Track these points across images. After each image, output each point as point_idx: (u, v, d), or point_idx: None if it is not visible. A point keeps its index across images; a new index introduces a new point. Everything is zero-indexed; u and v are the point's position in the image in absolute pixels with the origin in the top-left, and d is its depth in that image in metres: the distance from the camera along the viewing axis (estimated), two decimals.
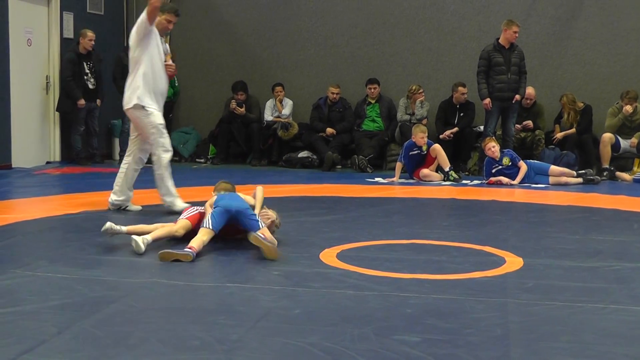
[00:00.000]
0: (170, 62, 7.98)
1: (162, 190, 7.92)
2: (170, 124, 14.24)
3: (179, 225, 6.27)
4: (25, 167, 11.88)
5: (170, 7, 8.16)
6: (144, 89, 7.70)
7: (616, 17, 12.96)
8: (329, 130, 13.10)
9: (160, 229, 6.25)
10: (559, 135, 12.34)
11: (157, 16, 7.62)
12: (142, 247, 5.85)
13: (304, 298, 4.65)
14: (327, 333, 3.94)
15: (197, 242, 5.82)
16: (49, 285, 4.91)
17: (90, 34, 12.60)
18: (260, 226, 6.04)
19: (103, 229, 6.08)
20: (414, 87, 13.00)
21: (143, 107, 7.72)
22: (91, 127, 12.93)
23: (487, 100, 11.57)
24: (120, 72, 12.04)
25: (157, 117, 7.80)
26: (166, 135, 7.95)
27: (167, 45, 8.15)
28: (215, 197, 6.33)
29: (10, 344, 3.70)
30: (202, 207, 6.44)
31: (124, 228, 6.18)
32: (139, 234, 6.07)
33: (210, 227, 5.99)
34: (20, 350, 3.61)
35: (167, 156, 7.92)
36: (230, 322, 4.15)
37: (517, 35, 11.62)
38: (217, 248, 6.05)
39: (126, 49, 12.27)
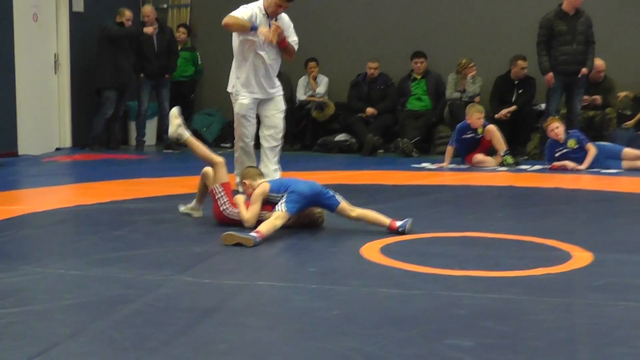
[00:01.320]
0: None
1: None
2: (192, 105, 14.36)
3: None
4: (33, 155, 12.01)
5: None
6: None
7: None
8: (369, 110, 13.11)
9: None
10: None
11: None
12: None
13: (343, 298, 4.66)
14: (369, 337, 3.95)
15: (266, 227, 5.98)
16: (62, 283, 4.97)
17: (127, 13, 12.74)
18: (339, 201, 6.44)
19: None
20: (464, 61, 12.96)
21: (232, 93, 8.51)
22: (119, 110, 13.05)
23: (550, 75, 11.49)
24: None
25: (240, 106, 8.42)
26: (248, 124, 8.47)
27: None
28: (268, 186, 6.48)
29: (20, 347, 3.75)
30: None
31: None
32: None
33: (286, 210, 6.11)
34: (31, 353, 3.65)
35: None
36: (261, 324, 4.17)
37: None
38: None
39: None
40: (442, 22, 13.61)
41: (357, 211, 6.49)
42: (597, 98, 12.39)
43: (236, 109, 8.43)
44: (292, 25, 8.46)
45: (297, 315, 4.32)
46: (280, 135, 8.49)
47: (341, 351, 3.74)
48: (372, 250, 5.85)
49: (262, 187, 6.48)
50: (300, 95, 13.66)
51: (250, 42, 8.13)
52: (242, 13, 8.08)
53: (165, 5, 14.61)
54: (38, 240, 6.34)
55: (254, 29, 8.02)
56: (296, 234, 6.43)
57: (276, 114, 8.46)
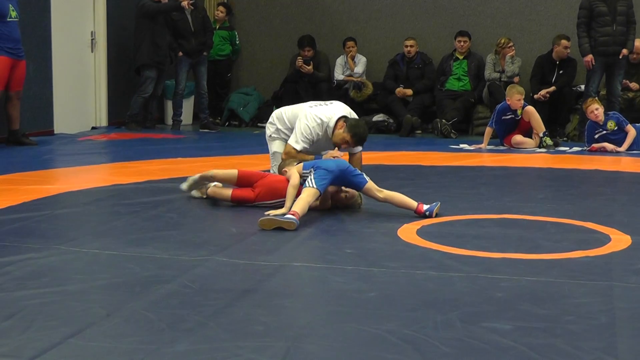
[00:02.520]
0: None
1: None
2: (230, 84, 14.38)
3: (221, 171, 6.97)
4: (69, 134, 12.06)
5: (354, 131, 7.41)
6: None
7: None
8: (400, 90, 13.04)
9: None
10: None
11: None
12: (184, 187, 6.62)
13: (381, 279, 4.64)
14: (407, 319, 3.93)
15: (300, 206, 5.98)
16: (96, 263, 4.99)
17: None
18: (366, 179, 6.45)
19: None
20: (502, 41, 12.88)
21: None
22: (157, 89, 13.10)
23: (589, 57, 11.40)
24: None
25: None
26: None
27: None
28: (301, 165, 6.53)
29: (55, 327, 3.76)
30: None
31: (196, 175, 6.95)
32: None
33: (315, 186, 6.12)
34: (66, 333, 3.67)
35: None
36: (298, 305, 4.17)
37: None
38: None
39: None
40: (482, 2, 13.52)
41: (384, 192, 6.47)
42: (635, 84, 12.26)
43: (275, 147, 7.81)
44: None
45: (334, 297, 4.32)
46: None
47: (378, 333, 3.72)
48: (409, 232, 5.83)
49: (297, 166, 6.51)
50: (338, 75, 13.63)
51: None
52: (302, 137, 7.45)
53: None
54: (73, 220, 6.36)
55: (305, 166, 7.02)
56: (333, 216, 6.43)
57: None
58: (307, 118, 7.42)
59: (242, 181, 6.74)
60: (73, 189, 7.53)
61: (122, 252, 5.19)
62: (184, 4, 12.80)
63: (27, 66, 10.75)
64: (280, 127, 7.74)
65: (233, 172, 6.78)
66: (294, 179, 6.38)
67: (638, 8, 11.76)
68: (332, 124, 7.36)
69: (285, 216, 5.87)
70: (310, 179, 6.20)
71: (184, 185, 6.99)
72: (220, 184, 6.88)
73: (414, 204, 6.38)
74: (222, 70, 14.33)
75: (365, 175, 6.51)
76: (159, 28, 12.81)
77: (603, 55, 11.43)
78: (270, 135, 7.84)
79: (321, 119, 7.38)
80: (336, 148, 7.47)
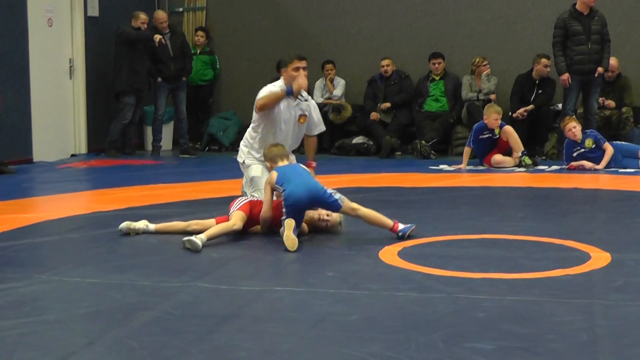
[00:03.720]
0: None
1: None
2: (210, 109, 14.39)
3: (236, 218, 6.41)
4: (48, 161, 12.02)
5: (292, 55, 7.78)
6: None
7: None
8: (384, 105, 13.08)
9: (216, 227, 6.36)
10: None
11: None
12: (199, 244, 6.00)
13: (363, 302, 4.65)
14: (389, 341, 3.93)
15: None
16: (77, 291, 4.97)
17: (142, 16, 12.80)
18: (341, 203, 6.33)
19: (120, 227, 6.43)
20: (477, 59, 12.96)
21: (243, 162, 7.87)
22: (135, 115, 13.09)
23: (566, 76, 11.46)
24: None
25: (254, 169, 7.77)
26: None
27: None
28: (275, 175, 6.47)
29: (36, 357, 3.75)
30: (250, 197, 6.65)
31: (152, 226, 6.45)
32: (171, 232, 6.43)
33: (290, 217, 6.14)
34: None
35: None
36: (280, 330, 4.16)
37: None
38: (262, 246, 6.09)
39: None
40: (459, 22, 13.58)
41: (361, 210, 6.43)
42: (610, 102, 12.33)
43: (252, 173, 7.69)
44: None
45: (316, 321, 4.31)
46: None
47: (361, 356, 3.73)
48: (390, 254, 5.83)
49: (270, 176, 6.53)
50: (317, 97, 13.63)
51: (273, 120, 7.63)
52: (266, 92, 7.65)
53: (180, 9, 14.63)
54: (53, 248, 6.33)
55: (288, 92, 7.50)
56: (313, 238, 6.43)
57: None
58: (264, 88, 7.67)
59: None
60: (53, 217, 7.51)
61: (104, 279, 5.18)
62: (155, 37, 12.80)
63: (4, 94, 10.71)
64: (250, 141, 7.77)
65: (211, 221, 6.55)
66: (266, 210, 6.43)
67: (611, 26, 11.84)
68: (281, 82, 7.66)
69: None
70: (284, 210, 6.19)
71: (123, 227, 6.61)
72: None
73: (389, 222, 6.38)
74: (204, 95, 14.33)
75: (340, 197, 6.39)
76: (138, 55, 12.82)
77: (579, 73, 11.49)
78: (243, 162, 7.74)
79: (274, 84, 7.71)
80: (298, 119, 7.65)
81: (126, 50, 12.69)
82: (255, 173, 7.58)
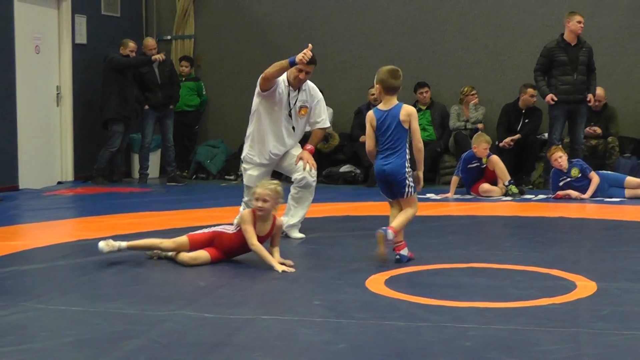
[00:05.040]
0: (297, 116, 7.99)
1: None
2: (196, 136, 14.40)
3: (173, 240, 6.56)
4: (34, 189, 11.99)
5: None
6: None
7: None
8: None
9: (146, 240, 6.70)
10: None
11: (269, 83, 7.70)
12: (105, 248, 6.38)
13: (349, 331, 4.64)
14: None
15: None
16: (63, 319, 4.95)
17: (131, 44, 12.83)
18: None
19: (99, 249, 6.45)
20: (466, 89, 13.04)
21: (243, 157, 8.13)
22: (123, 142, 13.09)
23: (549, 96, 11.48)
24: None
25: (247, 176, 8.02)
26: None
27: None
28: (249, 215, 6.51)
29: None
30: (224, 227, 6.66)
31: (124, 243, 6.51)
32: (143, 248, 6.61)
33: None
34: None
35: None
36: (267, 359, 4.15)
37: (581, 26, 11.56)
38: (249, 274, 6.09)
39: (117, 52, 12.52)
40: (446, 52, 13.65)
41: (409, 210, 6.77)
42: (597, 129, 12.40)
43: (245, 180, 8.06)
44: (322, 100, 8.14)
45: (303, 349, 4.31)
46: (305, 181, 7.89)
47: None
48: (377, 282, 5.84)
49: (247, 215, 6.55)
50: (306, 126, 13.65)
51: (272, 108, 7.81)
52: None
53: (169, 37, 14.67)
54: (39, 276, 6.31)
55: (292, 62, 7.48)
56: (301, 266, 6.42)
57: (295, 156, 7.98)
58: None
59: (196, 246, 6.57)
60: (39, 245, 7.48)
61: (89, 308, 5.16)
62: (157, 57, 12.83)
63: None
64: (249, 132, 7.97)
65: (183, 239, 6.58)
66: (254, 245, 6.41)
67: (597, 57, 11.93)
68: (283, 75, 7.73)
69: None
70: None
71: (104, 247, 6.52)
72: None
73: (402, 237, 6.62)
74: (190, 122, 14.34)
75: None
76: (127, 82, 12.85)
77: (565, 103, 11.54)
78: (243, 158, 8.07)
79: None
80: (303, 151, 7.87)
81: (115, 78, 12.71)
82: (248, 182, 7.87)
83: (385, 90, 6.72)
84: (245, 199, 7.86)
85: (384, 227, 6.44)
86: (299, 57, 7.41)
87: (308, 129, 8.34)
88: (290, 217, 7.85)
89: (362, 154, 13.04)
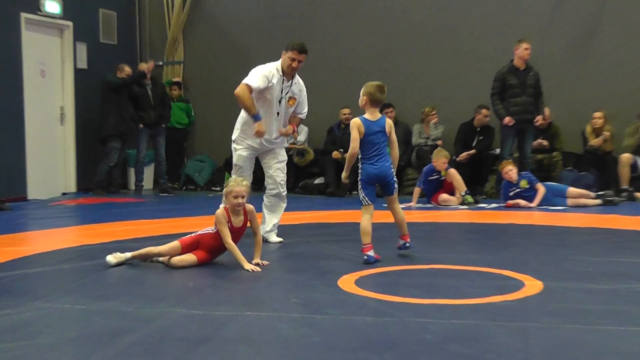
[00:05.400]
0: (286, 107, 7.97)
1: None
2: (184, 152, 14.37)
3: (167, 247, 6.53)
4: (41, 199, 11.94)
5: (295, 44, 7.82)
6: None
7: (633, 36, 12.97)
8: (335, 154, 13.12)
9: (146, 249, 6.62)
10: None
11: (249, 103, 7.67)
12: (112, 261, 6.38)
13: (323, 325, 4.63)
14: None
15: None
16: (67, 317, 4.93)
17: (127, 68, 12.83)
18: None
19: (107, 262, 6.45)
20: (427, 109, 13.09)
21: (234, 140, 8.05)
22: (120, 157, 13.05)
23: (508, 118, 11.55)
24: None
25: (238, 156, 7.99)
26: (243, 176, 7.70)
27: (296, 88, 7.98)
28: (221, 213, 6.54)
29: None
30: (206, 230, 6.66)
31: (128, 254, 6.51)
32: (145, 257, 6.55)
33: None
34: None
35: None
36: (250, 351, 4.14)
37: (529, 52, 11.63)
38: (233, 276, 6.08)
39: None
40: (409, 76, 13.70)
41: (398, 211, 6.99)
42: (544, 142, 12.47)
43: (235, 159, 8.04)
44: (305, 93, 8.17)
45: (282, 343, 4.30)
46: (276, 191, 8.06)
47: None
48: (348, 282, 5.83)
49: (220, 214, 6.55)
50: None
51: (264, 97, 7.78)
52: (258, 77, 7.65)
53: (161, 62, 14.65)
54: (45, 278, 6.27)
55: (256, 118, 7.64)
56: (280, 268, 6.43)
57: (274, 164, 8.09)
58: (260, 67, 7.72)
59: (186, 249, 6.56)
60: (45, 250, 7.45)
61: (90, 306, 5.13)
62: (144, 67, 12.81)
63: (0, 138, 10.66)
64: (241, 118, 7.92)
65: (175, 244, 6.56)
66: (228, 244, 6.44)
67: (545, 81, 12.00)
68: (277, 63, 7.74)
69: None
70: None
71: (112, 260, 6.50)
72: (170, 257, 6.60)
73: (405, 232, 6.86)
74: (180, 139, 14.33)
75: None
76: (124, 102, 12.82)
77: (515, 122, 11.61)
78: (234, 140, 8.03)
79: (271, 64, 7.75)
80: (287, 127, 7.90)
81: (113, 98, 12.69)
82: (237, 161, 7.93)
83: (371, 102, 6.79)
84: (234, 176, 7.73)
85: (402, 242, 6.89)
86: (257, 128, 7.66)
87: None
88: (266, 224, 7.88)
89: (333, 168, 13.08)
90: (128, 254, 6.57)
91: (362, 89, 6.91)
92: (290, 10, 14.13)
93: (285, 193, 8.09)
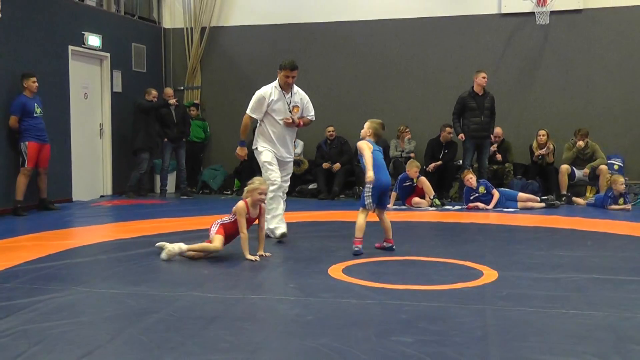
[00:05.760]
0: (292, 115, 7.70)
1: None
2: (201, 162, 14.33)
3: (219, 242, 6.37)
4: (83, 200, 11.90)
5: (286, 63, 7.61)
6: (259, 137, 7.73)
7: (569, 67, 13.01)
8: (326, 165, 13.10)
9: (202, 244, 6.43)
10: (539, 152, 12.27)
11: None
12: (164, 257, 6.26)
13: (316, 306, 4.63)
14: (336, 335, 3.92)
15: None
16: (103, 299, 4.92)
17: (154, 91, 12.83)
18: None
19: (161, 258, 6.31)
20: (401, 127, 13.09)
21: (256, 148, 7.73)
22: (148, 166, 13.02)
23: (461, 136, 11.62)
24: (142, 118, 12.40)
25: (264, 155, 7.63)
26: (272, 169, 7.58)
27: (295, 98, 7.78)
28: (243, 206, 6.46)
29: (72, 349, 3.69)
30: (223, 220, 6.56)
31: (184, 247, 6.38)
32: (196, 250, 6.39)
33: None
34: (80, 354, 3.60)
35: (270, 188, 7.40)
36: (254, 327, 4.14)
37: (485, 79, 11.65)
38: (241, 266, 6.06)
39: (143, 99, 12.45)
40: (387, 100, 13.68)
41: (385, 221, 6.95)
42: (499, 155, 12.48)
43: (262, 158, 7.62)
44: (309, 100, 7.95)
45: (281, 321, 4.29)
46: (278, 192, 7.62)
47: (315, 346, 3.71)
48: (337, 271, 5.82)
49: (241, 206, 6.47)
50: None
51: (271, 110, 7.60)
52: (253, 106, 7.56)
53: (182, 87, 14.60)
54: (86, 267, 6.25)
55: (240, 144, 7.69)
56: (280, 258, 6.41)
57: (285, 177, 7.77)
58: (257, 92, 7.60)
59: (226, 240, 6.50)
60: (86, 243, 7.43)
61: (122, 290, 5.12)
62: (172, 102, 12.83)
63: (51, 149, 10.63)
64: (258, 129, 7.72)
65: (221, 238, 6.41)
66: (243, 234, 6.39)
67: (499, 104, 12.02)
68: (275, 82, 7.58)
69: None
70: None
71: (165, 256, 6.33)
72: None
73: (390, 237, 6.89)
74: (197, 151, 14.30)
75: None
76: (151, 121, 12.80)
77: (474, 138, 11.61)
78: (256, 148, 7.72)
79: (269, 85, 7.61)
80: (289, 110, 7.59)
81: (142, 118, 12.66)
82: (266, 158, 7.56)
83: (374, 135, 6.96)
84: (265, 172, 7.52)
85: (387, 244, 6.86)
86: (239, 150, 7.72)
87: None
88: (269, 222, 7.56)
89: (322, 176, 13.05)
90: (184, 247, 6.37)
91: (368, 123, 7.05)
92: (289, 47, 14.10)
93: (284, 198, 7.82)
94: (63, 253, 6.77)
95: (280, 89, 7.64)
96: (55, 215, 10.00)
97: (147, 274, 5.74)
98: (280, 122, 7.61)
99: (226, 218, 6.58)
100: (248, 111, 7.64)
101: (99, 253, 6.85)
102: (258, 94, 7.63)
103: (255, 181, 6.59)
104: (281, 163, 7.73)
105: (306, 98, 7.92)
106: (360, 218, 6.76)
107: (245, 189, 6.61)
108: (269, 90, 7.62)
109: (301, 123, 7.80)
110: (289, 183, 7.93)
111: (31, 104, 10.25)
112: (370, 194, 6.69)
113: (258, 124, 7.74)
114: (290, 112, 7.69)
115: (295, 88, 7.81)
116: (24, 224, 9.09)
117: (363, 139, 6.93)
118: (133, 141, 12.81)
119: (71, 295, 4.96)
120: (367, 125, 7.02)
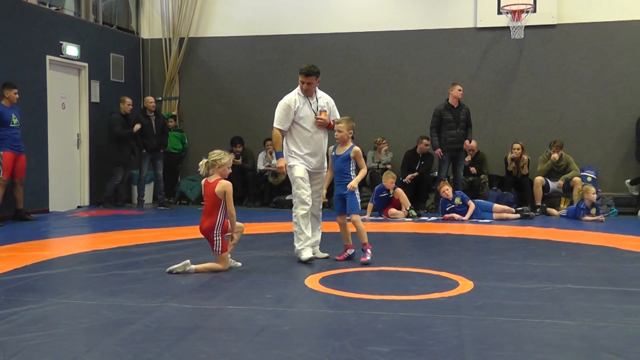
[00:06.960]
0: (321, 117, 7.22)
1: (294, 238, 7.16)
2: (179, 173, 14.28)
3: (225, 263, 6.31)
4: (60, 211, 11.81)
5: (302, 68, 7.24)
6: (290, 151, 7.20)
7: (544, 80, 13.13)
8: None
9: (210, 265, 6.29)
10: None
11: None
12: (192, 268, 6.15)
13: (293, 317, 4.62)
14: (312, 346, 3.92)
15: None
16: (80, 310, 4.87)
17: (128, 100, 12.77)
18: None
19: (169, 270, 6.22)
20: (378, 139, 13.14)
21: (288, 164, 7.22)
22: (125, 177, 12.95)
23: (438, 150, 11.66)
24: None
25: (297, 170, 7.16)
26: (304, 188, 7.16)
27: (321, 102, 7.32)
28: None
29: None
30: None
31: (192, 267, 6.23)
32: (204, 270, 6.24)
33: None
34: None
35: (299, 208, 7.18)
36: (231, 338, 4.12)
37: (461, 92, 11.71)
38: (219, 277, 6.03)
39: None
40: (364, 112, 13.71)
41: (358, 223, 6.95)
42: (474, 169, 12.53)
43: (295, 173, 7.16)
44: (334, 104, 7.49)
45: (258, 331, 4.27)
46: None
47: (292, 357, 3.70)
48: (313, 281, 5.83)
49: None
50: (260, 165, 13.64)
51: (298, 117, 7.13)
52: (279, 117, 7.08)
53: (160, 98, 14.55)
54: (62, 278, 6.19)
55: (277, 155, 7.12)
56: (257, 269, 6.39)
57: (319, 190, 7.39)
58: (280, 102, 7.19)
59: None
60: (63, 254, 7.35)
61: (99, 301, 5.08)
62: (135, 128, 12.72)
63: (27, 159, 10.55)
64: (285, 142, 7.21)
65: (225, 267, 6.29)
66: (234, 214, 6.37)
67: (474, 116, 12.10)
68: (297, 89, 7.19)
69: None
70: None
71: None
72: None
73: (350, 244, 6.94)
74: (175, 162, 14.25)
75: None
76: (124, 138, 12.75)
77: (450, 150, 11.66)
78: (288, 164, 7.20)
79: (292, 92, 7.24)
80: (319, 113, 7.16)
81: (116, 137, 12.65)
82: (299, 174, 7.10)
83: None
84: (295, 188, 7.13)
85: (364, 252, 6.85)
86: (278, 164, 7.21)
87: None
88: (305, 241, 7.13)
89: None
90: (192, 267, 6.20)
91: (348, 124, 6.96)
92: (266, 58, 14.12)
93: (319, 213, 7.47)
94: (39, 264, 6.70)
95: (302, 95, 7.19)
96: (31, 226, 9.91)
97: (124, 285, 5.70)
98: (310, 129, 7.15)
99: (216, 219, 6.32)
100: (275, 124, 7.11)
101: (75, 264, 6.79)
102: (282, 103, 7.15)
103: (222, 155, 6.32)
104: (312, 176, 7.28)
105: (332, 102, 7.49)
106: (361, 223, 6.90)
107: (215, 163, 6.26)
108: (293, 97, 7.17)
109: (332, 123, 7.22)
110: (319, 195, 7.41)
111: (8, 113, 10.17)
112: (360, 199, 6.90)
113: (284, 141, 7.20)
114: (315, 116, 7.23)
115: (320, 92, 7.38)
116: (0, 235, 8.99)
117: (345, 142, 6.89)
118: (109, 153, 12.77)
119: (47, 307, 4.91)
120: (345, 125, 6.83)
